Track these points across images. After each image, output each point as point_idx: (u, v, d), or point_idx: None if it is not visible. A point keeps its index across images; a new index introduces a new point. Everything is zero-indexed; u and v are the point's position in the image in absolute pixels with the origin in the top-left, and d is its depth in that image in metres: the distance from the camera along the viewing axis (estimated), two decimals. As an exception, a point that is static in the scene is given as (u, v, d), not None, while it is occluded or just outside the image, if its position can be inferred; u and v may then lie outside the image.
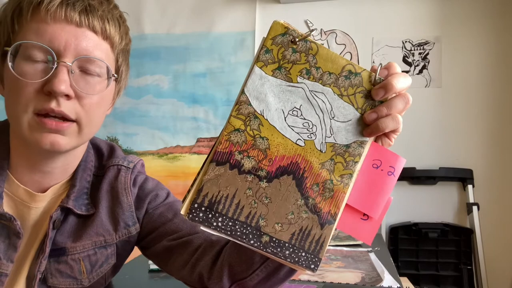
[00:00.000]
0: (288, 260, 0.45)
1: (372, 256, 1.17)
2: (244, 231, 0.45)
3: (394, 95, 0.48)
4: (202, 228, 0.45)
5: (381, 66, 0.49)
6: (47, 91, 0.58)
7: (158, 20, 2.56)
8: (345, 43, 2.37)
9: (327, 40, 2.39)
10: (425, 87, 2.29)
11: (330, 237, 0.46)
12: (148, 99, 2.56)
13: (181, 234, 0.73)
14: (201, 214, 0.45)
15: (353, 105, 0.48)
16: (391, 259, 1.19)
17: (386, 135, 0.50)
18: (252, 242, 0.45)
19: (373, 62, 2.35)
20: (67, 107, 0.60)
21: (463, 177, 2.21)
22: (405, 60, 2.32)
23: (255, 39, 2.43)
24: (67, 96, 0.60)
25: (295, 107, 0.47)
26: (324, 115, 0.47)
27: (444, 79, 2.28)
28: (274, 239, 0.45)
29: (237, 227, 0.45)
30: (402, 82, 0.47)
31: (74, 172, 0.72)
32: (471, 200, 2.16)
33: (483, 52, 2.23)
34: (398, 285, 0.92)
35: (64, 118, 0.60)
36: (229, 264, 0.65)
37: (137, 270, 1.09)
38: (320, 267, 1.08)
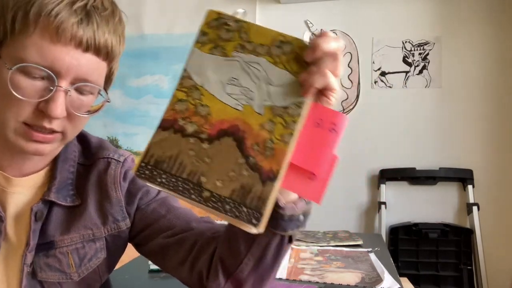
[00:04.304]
0: (228, 214, 0.47)
1: (372, 256, 1.17)
2: (186, 186, 0.48)
3: (323, 55, 0.49)
4: (148, 184, 0.49)
5: (312, 34, 0.51)
6: (42, 110, 0.59)
7: (158, 20, 2.56)
8: (345, 43, 2.37)
9: (327, 40, 2.39)
10: (425, 87, 2.29)
11: (273, 194, 0.48)
12: (148, 99, 2.56)
13: (175, 230, 0.73)
14: (147, 172, 0.49)
15: (287, 70, 0.51)
16: (391, 259, 1.19)
17: (324, 94, 0.51)
18: (193, 197, 0.48)
19: (373, 62, 2.35)
20: (57, 124, 0.61)
21: (463, 177, 2.21)
22: (405, 60, 2.32)
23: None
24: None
25: (232, 77, 0.51)
26: (260, 81, 0.51)
27: (444, 79, 2.28)
28: (214, 194, 0.48)
29: (179, 183, 0.49)
30: (329, 42, 0.49)
31: (54, 163, 0.72)
32: (471, 200, 2.16)
33: (483, 52, 2.24)
34: (398, 286, 0.92)
35: (52, 131, 0.62)
36: (221, 259, 0.65)
37: (137, 270, 1.09)
38: (320, 267, 1.07)
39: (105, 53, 0.63)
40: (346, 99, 2.36)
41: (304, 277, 0.99)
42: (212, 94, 0.51)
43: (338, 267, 1.08)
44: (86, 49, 0.60)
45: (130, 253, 1.14)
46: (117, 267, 1.04)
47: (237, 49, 0.52)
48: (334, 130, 0.50)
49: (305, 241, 1.33)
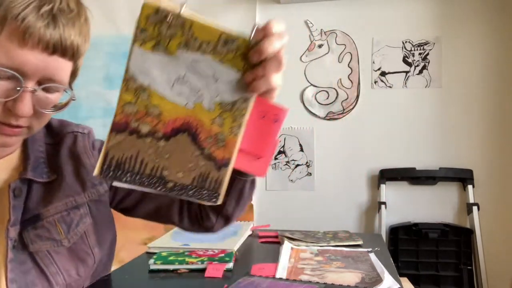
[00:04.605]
0: (192, 197, 0.55)
1: (372, 256, 1.17)
2: (151, 181, 0.53)
3: (267, 57, 0.51)
4: (115, 184, 0.53)
5: (256, 28, 0.51)
6: (9, 109, 0.61)
7: (158, 20, 2.55)
8: (345, 43, 2.37)
9: (327, 40, 2.39)
10: (425, 87, 2.29)
11: (227, 176, 0.55)
12: (148, 99, 2.56)
13: None
14: (111, 173, 0.52)
15: (234, 68, 0.52)
16: (391, 259, 1.19)
17: (268, 92, 0.55)
18: (159, 189, 0.54)
19: (373, 62, 2.35)
20: (24, 121, 0.64)
21: (463, 177, 2.21)
22: (405, 61, 2.32)
23: (255, 39, 2.43)
24: None
25: (179, 76, 0.52)
26: (208, 80, 0.52)
27: (444, 79, 2.28)
28: (177, 184, 0.54)
29: (144, 179, 0.53)
30: (274, 44, 0.50)
31: (24, 145, 0.76)
32: (471, 200, 2.16)
33: (483, 52, 2.23)
34: (398, 286, 0.92)
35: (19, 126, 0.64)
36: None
37: (137, 270, 1.09)
38: (320, 267, 1.08)
39: (71, 54, 0.65)
40: (346, 99, 2.36)
41: (304, 277, 0.99)
42: (161, 95, 0.52)
43: (338, 267, 1.08)
44: (53, 51, 0.62)
45: (130, 253, 1.15)
46: (117, 267, 1.04)
47: (181, 46, 0.51)
48: (277, 121, 0.57)
49: (305, 241, 1.33)
